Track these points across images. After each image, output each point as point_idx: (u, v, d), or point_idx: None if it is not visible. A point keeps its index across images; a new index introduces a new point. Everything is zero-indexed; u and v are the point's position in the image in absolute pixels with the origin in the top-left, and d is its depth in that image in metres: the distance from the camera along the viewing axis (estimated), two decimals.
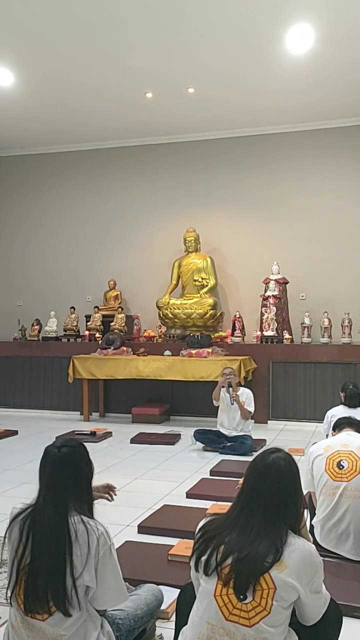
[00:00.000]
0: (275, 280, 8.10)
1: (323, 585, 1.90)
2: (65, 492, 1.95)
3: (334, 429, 3.59)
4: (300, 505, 1.92)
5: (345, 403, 4.97)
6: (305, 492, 3.51)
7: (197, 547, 1.88)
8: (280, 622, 1.76)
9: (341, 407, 4.97)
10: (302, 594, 1.78)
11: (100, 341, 8.35)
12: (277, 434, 6.93)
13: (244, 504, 1.89)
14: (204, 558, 1.83)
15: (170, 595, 2.53)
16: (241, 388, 6.11)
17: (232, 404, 5.92)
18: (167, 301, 8.48)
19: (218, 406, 6.10)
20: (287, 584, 1.75)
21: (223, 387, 5.99)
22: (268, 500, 1.86)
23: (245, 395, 6.01)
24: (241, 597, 1.74)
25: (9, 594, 1.92)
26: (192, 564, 1.89)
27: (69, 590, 1.84)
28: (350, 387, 5.14)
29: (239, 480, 2.06)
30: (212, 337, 8.05)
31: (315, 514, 3.24)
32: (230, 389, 5.94)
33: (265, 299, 7.98)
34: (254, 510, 1.86)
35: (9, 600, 1.93)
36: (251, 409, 5.97)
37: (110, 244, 9.39)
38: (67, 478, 1.97)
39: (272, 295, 7.92)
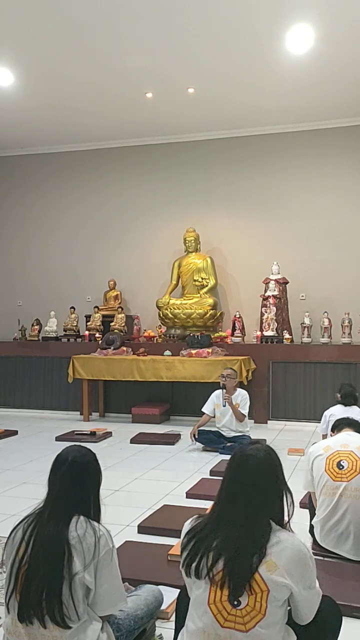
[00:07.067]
0: (275, 280, 8.10)
1: (317, 582, 1.87)
2: (72, 508, 1.96)
3: (332, 430, 3.59)
4: (284, 497, 1.88)
5: (341, 402, 5.01)
6: (305, 492, 3.54)
7: (186, 554, 1.85)
8: (277, 621, 1.75)
9: (338, 406, 5.01)
10: (295, 590, 1.76)
11: (100, 341, 8.35)
12: (277, 434, 6.93)
13: (226, 499, 1.87)
14: (194, 565, 1.81)
15: (170, 595, 2.53)
16: (238, 389, 6.08)
17: (224, 405, 5.91)
18: (167, 301, 8.48)
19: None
20: (280, 584, 1.73)
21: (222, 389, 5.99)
22: (249, 491, 1.83)
23: (241, 397, 5.96)
24: (235, 602, 1.73)
25: (7, 599, 1.90)
26: (182, 570, 1.86)
27: (66, 600, 1.83)
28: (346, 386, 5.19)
29: None
30: (212, 337, 8.05)
31: (315, 514, 3.24)
32: (224, 390, 5.93)
33: (265, 299, 7.98)
34: (235, 504, 1.83)
35: (7, 604, 1.92)
36: (244, 411, 5.91)
37: (110, 244, 9.39)
38: (75, 496, 1.97)
39: (272, 295, 7.92)
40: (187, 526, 1.94)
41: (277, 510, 1.86)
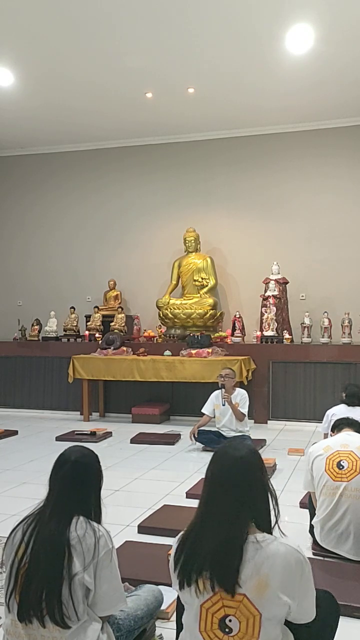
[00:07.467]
0: (275, 280, 8.10)
1: (311, 580, 1.77)
2: (72, 508, 1.95)
3: (332, 430, 3.59)
4: (268, 498, 1.79)
5: (346, 401, 4.99)
6: (305, 492, 3.54)
7: (177, 574, 1.79)
8: (274, 636, 1.69)
9: (342, 405, 4.98)
10: (292, 604, 1.68)
11: (100, 341, 8.35)
12: (277, 434, 6.93)
13: (206, 498, 1.81)
14: (185, 584, 1.76)
15: (170, 595, 2.52)
16: (237, 389, 6.07)
17: (224, 405, 5.91)
18: (167, 301, 8.48)
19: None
20: (273, 604, 1.66)
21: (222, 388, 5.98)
22: (228, 489, 1.75)
23: (240, 396, 5.95)
24: (227, 630, 1.68)
25: (7, 599, 1.91)
26: (176, 588, 1.82)
27: (65, 600, 1.82)
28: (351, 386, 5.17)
29: None
30: (212, 337, 8.05)
31: (315, 514, 3.24)
32: (223, 390, 5.93)
33: (265, 299, 7.98)
34: (215, 503, 1.77)
35: (7, 604, 1.92)
36: (244, 410, 5.90)
37: (110, 244, 9.39)
38: (76, 497, 1.97)
39: (272, 295, 7.92)
40: (175, 543, 1.88)
41: (260, 512, 1.77)
